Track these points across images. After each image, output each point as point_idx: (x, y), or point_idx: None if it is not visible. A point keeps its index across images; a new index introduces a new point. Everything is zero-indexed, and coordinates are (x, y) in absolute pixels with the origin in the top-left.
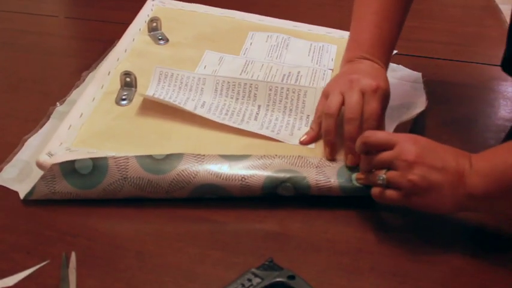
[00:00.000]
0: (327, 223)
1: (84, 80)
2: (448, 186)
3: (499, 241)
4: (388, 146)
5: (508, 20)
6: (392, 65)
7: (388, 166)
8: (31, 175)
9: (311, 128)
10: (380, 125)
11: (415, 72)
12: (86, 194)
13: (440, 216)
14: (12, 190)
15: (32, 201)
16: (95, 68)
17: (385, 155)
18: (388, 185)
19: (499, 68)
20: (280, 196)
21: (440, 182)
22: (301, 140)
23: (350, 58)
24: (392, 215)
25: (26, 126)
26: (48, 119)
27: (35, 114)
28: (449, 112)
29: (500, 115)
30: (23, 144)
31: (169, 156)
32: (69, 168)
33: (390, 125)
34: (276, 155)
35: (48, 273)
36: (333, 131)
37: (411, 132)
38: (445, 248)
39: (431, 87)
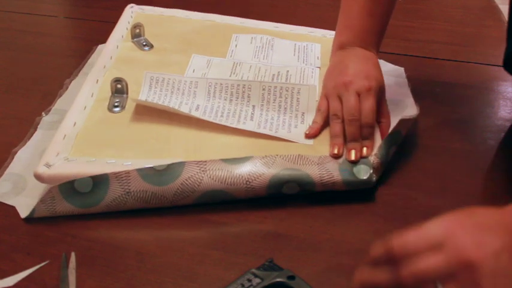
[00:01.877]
0: (326, 223)
1: (67, 88)
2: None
3: None
4: (427, 246)
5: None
6: None
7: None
8: (26, 188)
9: (315, 121)
10: (375, 119)
11: (398, 67)
12: (89, 211)
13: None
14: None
15: None
16: (77, 75)
17: (433, 264)
18: None
19: (499, 68)
20: (281, 195)
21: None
22: (307, 133)
23: (342, 44)
24: (392, 216)
25: (26, 126)
26: (35, 130)
27: (35, 115)
28: (449, 112)
29: (500, 115)
30: (13, 157)
31: (170, 166)
32: (68, 189)
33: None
34: (277, 155)
35: (48, 274)
36: (341, 134)
37: (408, 133)
38: None
39: (431, 87)
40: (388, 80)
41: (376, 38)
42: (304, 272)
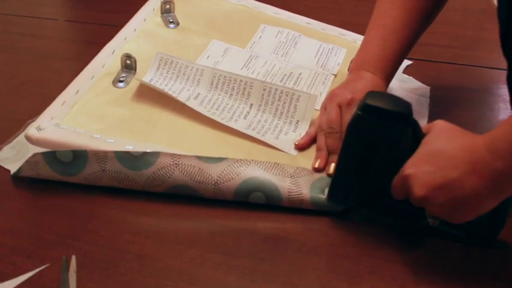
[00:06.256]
0: (327, 227)
1: None
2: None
3: (500, 244)
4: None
5: None
6: (403, 76)
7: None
8: (26, 156)
9: (307, 133)
10: None
11: (425, 85)
12: (69, 179)
13: None
14: (12, 193)
15: (32, 204)
16: None
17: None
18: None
19: (499, 71)
20: (248, 203)
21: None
22: (296, 143)
23: (354, 68)
24: (392, 220)
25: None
26: None
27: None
28: (449, 115)
29: (500, 118)
30: (26, 128)
31: (146, 154)
32: (51, 158)
33: None
34: (252, 160)
35: (49, 277)
36: (325, 147)
37: None
38: (445, 251)
39: (431, 90)
40: (409, 97)
41: (386, 64)
42: (305, 276)
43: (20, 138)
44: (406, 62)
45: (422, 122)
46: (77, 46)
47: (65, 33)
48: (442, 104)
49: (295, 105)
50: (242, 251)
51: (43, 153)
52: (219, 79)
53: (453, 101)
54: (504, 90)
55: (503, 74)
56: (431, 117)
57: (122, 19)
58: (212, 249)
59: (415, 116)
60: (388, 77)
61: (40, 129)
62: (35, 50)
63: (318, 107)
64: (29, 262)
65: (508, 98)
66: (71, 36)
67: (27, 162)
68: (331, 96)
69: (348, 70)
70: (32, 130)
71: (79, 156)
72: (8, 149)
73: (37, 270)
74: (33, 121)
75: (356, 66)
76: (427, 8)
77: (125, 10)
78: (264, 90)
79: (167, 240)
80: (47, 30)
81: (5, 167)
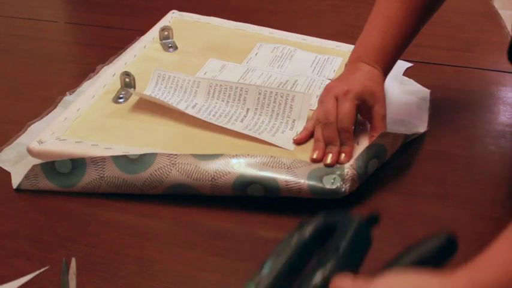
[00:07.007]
0: None
1: (98, 72)
2: None
3: None
4: None
5: (508, 25)
6: (403, 78)
7: None
8: (26, 158)
9: (305, 128)
10: (353, 123)
11: (425, 88)
12: (67, 190)
13: (441, 222)
14: (12, 196)
15: (32, 207)
16: (111, 61)
17: None
18: None
19: (499, 73)
20: (247, 197)
21: None
22: (295, 138)
23: (352, 59)
24: (392, 222)
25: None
26: (55, 107)
27: (36, 119)
28: (449, 117)
29: (500, 121)
30: (26, 129)
31: (143, 156)
32: (49, 168)
33: None
34: (248, 154)
35: (48, 279)
36: (322, 139)
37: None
38: None
39: (431, 92)
40: (408, 100)
41: (385, 56)
42: None
43: (20, 140)
44: (406, 65)
45: (423, 125)
46: (77, 48)
47: (65, 36)
48: (442, 107)
49: (291, 105)
50: (242, 253)
51: (42, 164)
52: (215, 88)
53: (453, 104)
54: (504, 93)
55: (504, 76)
56: (432, 120)
57: (122, 22)
58: (212, 252)
59: (415, 118)
60: (386, 69)
61: (41, 143)
62: (36, 52)
63: (314, 107)
64: (28, 264)
65: (509, 100)
66: (71, 38)
67: (26, 177)
68: (327, 89)
69: (349, 58)
70: (33, 144)
71: (77, 164)
72: (8, 150)
73: (37, 272)
74: (34, 123)
75: (354, 58)
76: (429, 2)
77: (125, 13)
78: (260, 94)
79: (167, 243)
80: (47, 33)
81: (5, 168)
